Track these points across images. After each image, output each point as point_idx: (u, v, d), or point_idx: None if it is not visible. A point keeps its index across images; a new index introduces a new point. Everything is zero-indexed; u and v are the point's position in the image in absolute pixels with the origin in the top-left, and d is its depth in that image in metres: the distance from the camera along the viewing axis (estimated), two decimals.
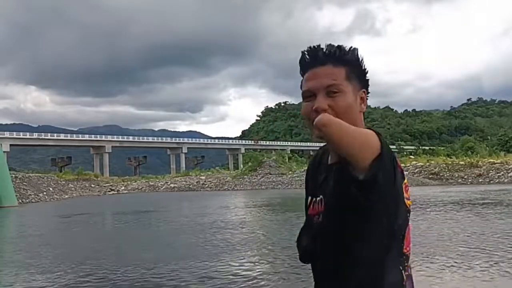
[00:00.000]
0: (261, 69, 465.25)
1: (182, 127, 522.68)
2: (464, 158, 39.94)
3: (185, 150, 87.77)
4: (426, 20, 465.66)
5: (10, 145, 64.47)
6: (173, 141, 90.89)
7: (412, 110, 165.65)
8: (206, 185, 42.93)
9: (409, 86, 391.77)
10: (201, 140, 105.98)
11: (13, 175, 33.06)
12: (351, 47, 1.29)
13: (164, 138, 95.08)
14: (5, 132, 67.38)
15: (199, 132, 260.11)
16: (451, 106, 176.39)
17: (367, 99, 1.30)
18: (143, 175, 65.72)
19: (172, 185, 44.61)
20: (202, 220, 15.31)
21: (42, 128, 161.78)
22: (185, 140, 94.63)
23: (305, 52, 1.29)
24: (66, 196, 36.20)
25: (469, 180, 33.06)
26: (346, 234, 1.19)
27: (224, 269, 7.44)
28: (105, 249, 10.35)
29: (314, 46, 1.28)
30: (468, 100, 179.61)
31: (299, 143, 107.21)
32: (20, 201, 29.68)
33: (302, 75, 1.30)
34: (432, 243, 8.75)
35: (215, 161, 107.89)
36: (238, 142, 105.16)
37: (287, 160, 52.45)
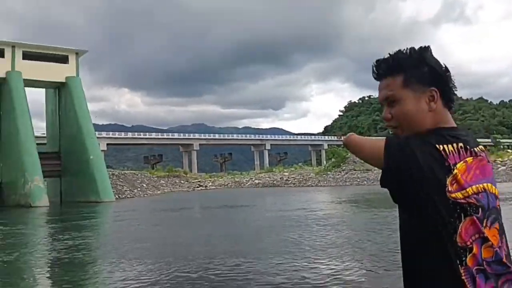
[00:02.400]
0: (344, 64, 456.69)
1: (265, 124, 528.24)
2: None
3: (268, 146, 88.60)
4: None
5: (107, 144, 69.20)
6: (257, 138, 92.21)
7: (509, 101, 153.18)
8: (290, 181, 43.08)
9: (504, 75, 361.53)
10: (284, 137, 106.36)
11: (110, 173, 35.47)
12: (410, 50, 1.32)
13: (248, 136, 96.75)
14: (102, 132, 72.27)
15: (281, 129, 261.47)
16: None
17: (453, 93, 1.32)
18: (228, 171, 67.60)
19: (256, 181, 45.38)
20: (292, 216, 15.28)
21: (135, 127, 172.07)
22: (268, 137, 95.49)
23: (372, 67, 1.37)
24: (158, 192, 38.12)
25: None
26: None
27: (316, 270, 7.24)
28: (195, 242, 10.77)
29: (377, 61, 1.35)
30: None
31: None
32: (117, 196, 31.76)
33: None
34: None
35: (298, 157, 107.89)
36: (321, 138, 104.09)
37: None
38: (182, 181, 46.21)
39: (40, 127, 42.54)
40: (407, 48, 1.32)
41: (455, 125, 1.33)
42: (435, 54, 1.34)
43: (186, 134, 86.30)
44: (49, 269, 8.82)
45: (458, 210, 1.17)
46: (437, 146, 1.20)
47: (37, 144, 31.43)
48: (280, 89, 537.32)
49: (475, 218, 1.17)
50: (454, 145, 1.22)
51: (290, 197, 25.89)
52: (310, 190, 33.20)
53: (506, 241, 1.23)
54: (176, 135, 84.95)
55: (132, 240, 11.41)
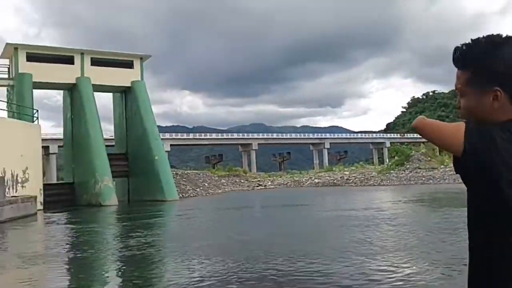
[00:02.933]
0: (406, 58, 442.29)
1: (323, 122, 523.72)
2: None
3: (327, 145, 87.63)
4: None
5: (171, 145, 71.40)
6: (315, 137, 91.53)
7: None
8: (351, 181, 42.38)
9: None
10: (344, 135, 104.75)
11: (174, 172, 36.55)
12: (485, 43, 1.28)
13: (306, 134, 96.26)
14: (166, 134, 74.78)
15: (341, 127, 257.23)
16: None
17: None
18: (287, 170, 67.57)
19: (316, 181, 45.01)
20: (359, 215, 15.00)
21: (196, 128, 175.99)
22: (327, 135, 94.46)
23: (452, 54, 1.37)
24: (220, 191, 38.80)
25: None
26: None
27: (388, 272, 7.01)
28: (259, 241, 10.87)
29: (455, 48, 1.33)
30: None
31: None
32: (180, 195, 32.66)
33: None
34: None
35: (358, 156, 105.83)
36: (383, 135, 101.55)
37: (438, 153, 49.05)
38: (242, 180, 46.73)
39: (108, 129, 44.66)
40: (483, 40, 1.28)
41: None
42: None
43: (245, 134, 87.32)
44: (121, 264, 9.23)
45: None
46: None
47: (106, 146, 32.95)
48: (338, 87, 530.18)
49: None
50: None
51: (352, 196, 25.46)
52: (372, 189, 32.48)
53: None
54: (235, 135, 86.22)
55: (198, 238, 11.70)
